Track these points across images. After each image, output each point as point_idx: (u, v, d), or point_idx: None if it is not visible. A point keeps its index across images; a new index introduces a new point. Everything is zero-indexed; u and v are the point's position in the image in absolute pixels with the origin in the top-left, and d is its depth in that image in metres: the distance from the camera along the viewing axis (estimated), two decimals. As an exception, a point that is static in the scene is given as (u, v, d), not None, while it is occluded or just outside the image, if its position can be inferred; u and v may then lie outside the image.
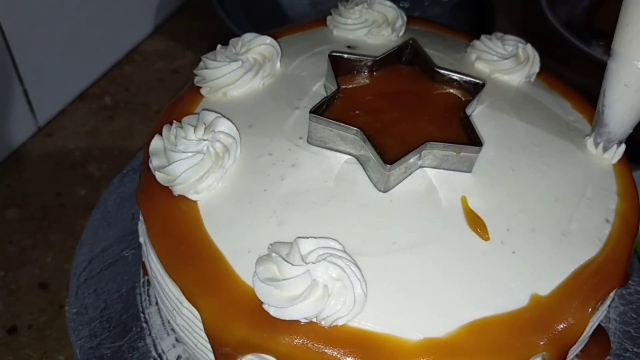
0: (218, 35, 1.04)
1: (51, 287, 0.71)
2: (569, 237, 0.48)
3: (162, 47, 1.07)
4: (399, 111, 0.51)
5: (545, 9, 1.05)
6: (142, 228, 0.53)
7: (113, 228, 0.66)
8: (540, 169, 0.52)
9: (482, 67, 0.60)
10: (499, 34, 0.63)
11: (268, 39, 0.57)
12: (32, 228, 0.77)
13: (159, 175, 0.48)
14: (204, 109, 0.52)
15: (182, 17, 1.13)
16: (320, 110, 0.49)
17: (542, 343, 0.43)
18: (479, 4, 1.07)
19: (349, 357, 0.41)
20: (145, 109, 0.95)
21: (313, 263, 0.42)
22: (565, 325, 0.44)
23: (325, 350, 0.41)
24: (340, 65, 0.53)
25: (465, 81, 0.53)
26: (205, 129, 0.49)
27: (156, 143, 0.50)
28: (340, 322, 0.42)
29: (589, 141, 0.55)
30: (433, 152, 0.48)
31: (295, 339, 0.42)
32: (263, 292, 0.42)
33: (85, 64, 0.95)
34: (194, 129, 0.49)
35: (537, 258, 0.47)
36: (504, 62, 0.59)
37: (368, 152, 0.47)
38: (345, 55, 0.54)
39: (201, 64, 0.56)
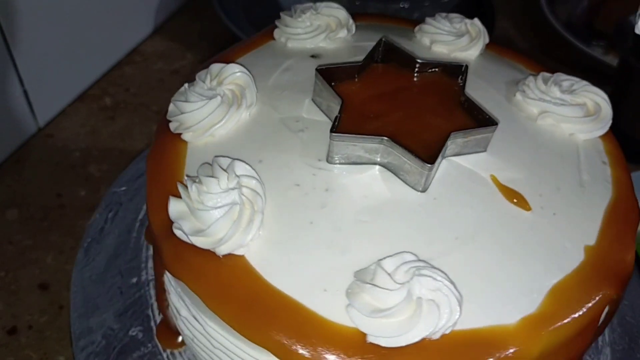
0: (218, 35, 1.04)
1: (51, 288, 0.71)
2: (586, 187, 0.51)
3: (162, 48, 1.06)
4: (401, 110, 0.51)
5: (545, 9, 1.05)
6: (180, 301, 0.49)
7: (103, 310, 0.59)
8: (537, 132, 0.54)
9: (440, 49, 0.61)
10: (443, 14, 0.64)
11: (236, 67, 0.53)
12: (32, 229, 0.77)
13: (199, 240, 0.43)
14: (216, 156, 0.47)
15: (182, 17, 1.13)
16: (335, 128, 0.48)
17: (610, 288, 0.46)
18: (479, 4, 1.07)
19: (467, 359, 0.42)
20: (145, 109, 0.95)
21: (408, 282, 0.41)
22: (620, 263, 0.48)
23: None
24: (325, 77, 0.52)
25: (447, 66, 0.55)
26: (228, 177, 0.45)
27: (177, 207, 0.45)
28: (447, 331, 0.41)
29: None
30: (456, 141, 0.49)
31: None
32: (371, 326, 0.40)
33: (85, 64, 0.95)
34: (218, 181, 0.44)
35: (573, 213, 0.49)
36: (460, 40, 0.60)
37: (400, 156, 0.46)
38: (333, 66, 0.53)
39: (173, 108, 0.52)
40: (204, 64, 0.58)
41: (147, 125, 0.92)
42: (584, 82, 0.57)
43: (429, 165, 0.45)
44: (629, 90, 0.85)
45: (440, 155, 0.47)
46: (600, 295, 0.45)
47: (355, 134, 0.47)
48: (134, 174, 0.71)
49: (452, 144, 0.49)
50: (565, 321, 0.44)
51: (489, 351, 0.42)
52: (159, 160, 0.51)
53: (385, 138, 0.47)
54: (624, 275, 0.47)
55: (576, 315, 0.44)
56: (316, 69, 0.52)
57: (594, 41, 1.00)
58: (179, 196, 0.45)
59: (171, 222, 0.45)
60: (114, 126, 0.92)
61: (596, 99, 0.56)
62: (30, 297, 0.70)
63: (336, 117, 0.48)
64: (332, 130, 0.47)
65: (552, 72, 0.59)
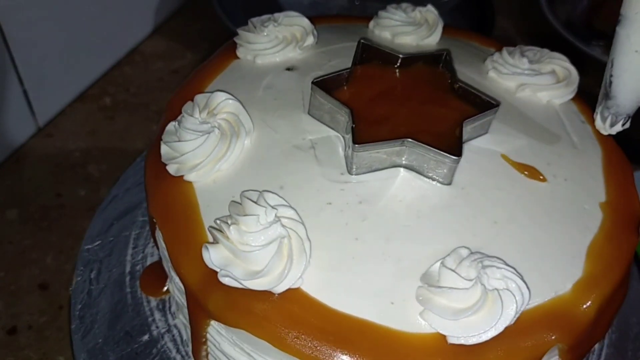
0: (218, 35, 1.04)
1: (51, 288, 0.71)
2: (579, 148, 0.54)
3: (162, 48, 1.06)
4: (404, 107, 0.51)
5: (545, 9, 1.05)
6: (237, 350, 0.46)
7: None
8: (519, 104, 0.56)
9: (403, 40, 0.61)
10: (394, 5, 0.64)
11: (223, 95, 0.50)
12: (32, 229, 0.77)
13: (255, 283, 0.42)
14: (243, 191, 0.45)
15: (182, 17, 1.13)
16: (354, 139, 0.47)
17: (633, 236, 0.49)
18: (479, 5, 1.07)
19: (548, 333, 0.43)
20: (145, 109, 0.95)
21: (477, 277, 0.41)
22: (632, 212, 0.51)
23: (527, 343, 0.42)
24: (322, 90, 0.51)
25: (428, 56, 0.56)
26: (266, 211, 0.43)
27: (219, 254, 0.42)
28: (519, 315, 0.42)
29: (597, 117, 0.54)
30: (466, 128, 0.49)
31: (499, 350, 0.42)
32: (453, 328, 0.40)
33: (85, 64, 0.95)
34: (258, 217, 0.42)
35: (579, 175, 0.52)
36: (421, 29, 0.61)
37: (425, 154, 0.46)
38: (327, 77, 0.52)
39: (168, 150, 0.48)
40: (167, 104, 0.55)
41: (147, 125, 0.92)
42: (545, 50, 0.60)
43: (457, 157, 0.46)
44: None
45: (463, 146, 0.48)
46: (628, 245, 0.48)
47: (374, 141, 0.46)
48: (103, 225, 0.67)
49: (464, 132, 0.49)
50: (609, 277, 0.46)
51: (556, 322, 0.43)
52: (169, 210, 0.48)
53: (409, 139, 0.46)
54: (638, 221, 0.51)
55: (615, 268, 0.47)
56: (312, 82, 0.50)
57: (593, 41, 1.00)
58: (209, 243, 0.43)
59: (211, 272, 0.43)
60: (114, 126, 0.92)
61: (563, 64, 0.59)
62: (30, 297, 0.70)
63: (352, 127, 0.47)
64: (353, 142, 0.46)
65: (503, 45, 0.62)
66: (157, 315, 0.59)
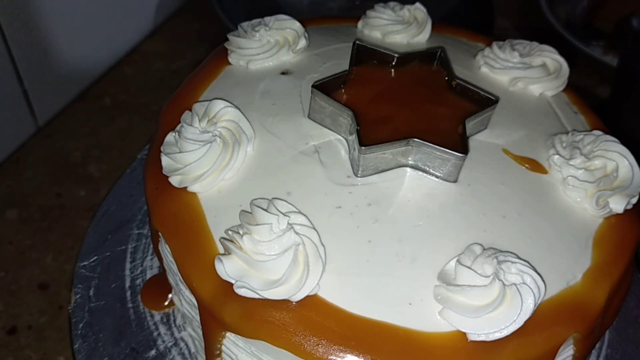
0: (218, 35, 1.04)
1: (51, 288, 0.71)
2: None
3: (162, 48, 1.06)
4: (404, 107, 0.51)
5: (545, 9, 1.05)
6: None
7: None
8: (513, 98, 0.56)
9: (394, 39, 0.62)
10: (382, 5, 0.64)
11: (222, 102, 0.49)
12: (32, 229, 0.77)
13: (273, 293, 0.41)
14: (254, 200, 0.45)
15: (182, 17, 1.13)
16: (361, 141, 0.46)
17: (637, 225, 0.50)
18: (479, 5, 1.07)
19: (563, 324, 0.43)
20: (145, 109, 0.95)
21: (494, 273, 0.41)
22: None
23: (544, 336, 0.42)
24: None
25: (424, 55, 0.56)
26: (279, 219, 0.42)
27: (233, 265, 0.42)
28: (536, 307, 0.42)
29: None
30: (468, 125, 0.49)
31: (518, 344, 0.42)
32: (474, 325, 0.40)
33: (85, 64, 0.95)
34: (271, 226, 0.42)
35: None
36: (411, 27, 0.62)
37: (431, 153, 0.47)
38: (327, 80, 0.51)
39: (169, 162, 0.48)
40: (161, 114, 0.54)
41: (147, 125, 0.92)
42: (534, 43, 0.61)
43: (464, 155, 0.46)
44: (630, 91, 0.85)
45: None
46: (632, 233, 0.49)
47: (379, 142, 0.46)
48: (97, 240, 0.65)
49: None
50: (617, 265, 0.47)
51: (570, 313, 0.43)
52: (175, 223, 0.47)
53: (415, 139, 0.46)
54: None
55: (622, 256, 0.48)
56: (313, 86, 0.50)
57: (593, 41, 1.00)
58: (221, 254, 0.43)
59: (224, 283, 0.42)
60: (114, 126, 0.92)
61: (553, 56, 0.59)
62: (30, 297, 0.70)
63: (357, 130, 0.47)
64: (360, 145, 0.46)
65: (492, 40, 0.62)
66: (162, 329, 0.58)
